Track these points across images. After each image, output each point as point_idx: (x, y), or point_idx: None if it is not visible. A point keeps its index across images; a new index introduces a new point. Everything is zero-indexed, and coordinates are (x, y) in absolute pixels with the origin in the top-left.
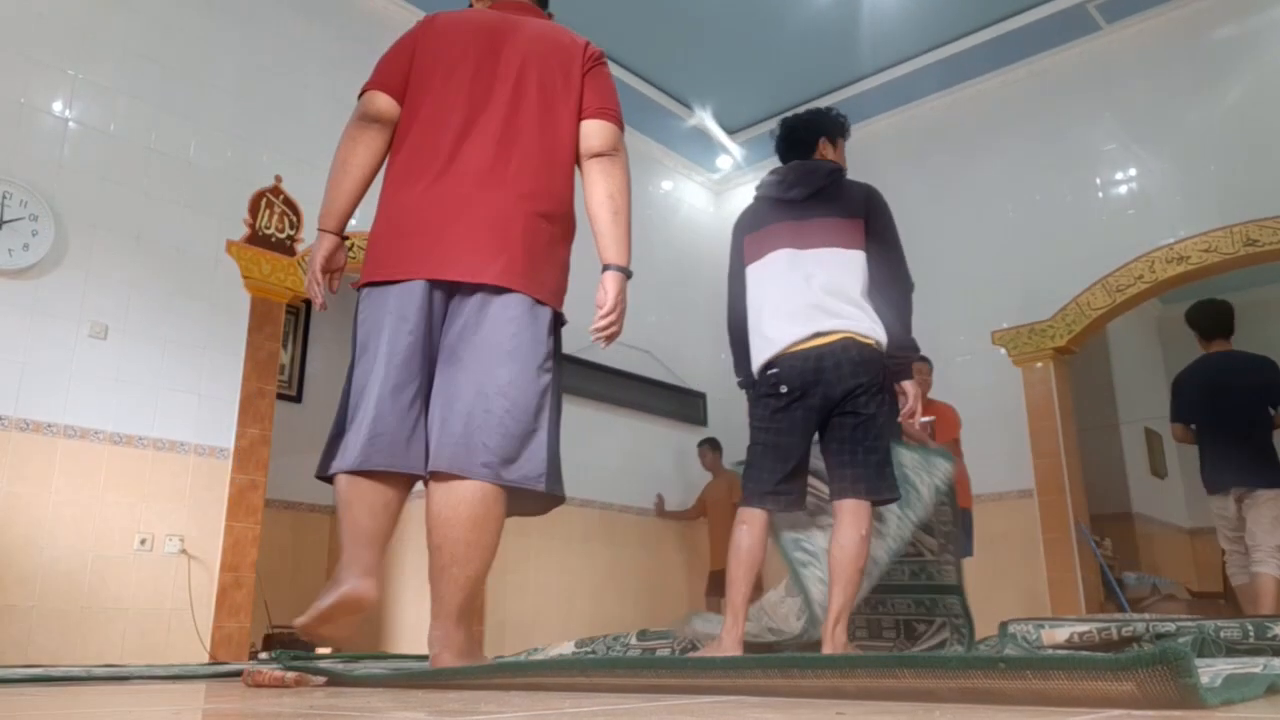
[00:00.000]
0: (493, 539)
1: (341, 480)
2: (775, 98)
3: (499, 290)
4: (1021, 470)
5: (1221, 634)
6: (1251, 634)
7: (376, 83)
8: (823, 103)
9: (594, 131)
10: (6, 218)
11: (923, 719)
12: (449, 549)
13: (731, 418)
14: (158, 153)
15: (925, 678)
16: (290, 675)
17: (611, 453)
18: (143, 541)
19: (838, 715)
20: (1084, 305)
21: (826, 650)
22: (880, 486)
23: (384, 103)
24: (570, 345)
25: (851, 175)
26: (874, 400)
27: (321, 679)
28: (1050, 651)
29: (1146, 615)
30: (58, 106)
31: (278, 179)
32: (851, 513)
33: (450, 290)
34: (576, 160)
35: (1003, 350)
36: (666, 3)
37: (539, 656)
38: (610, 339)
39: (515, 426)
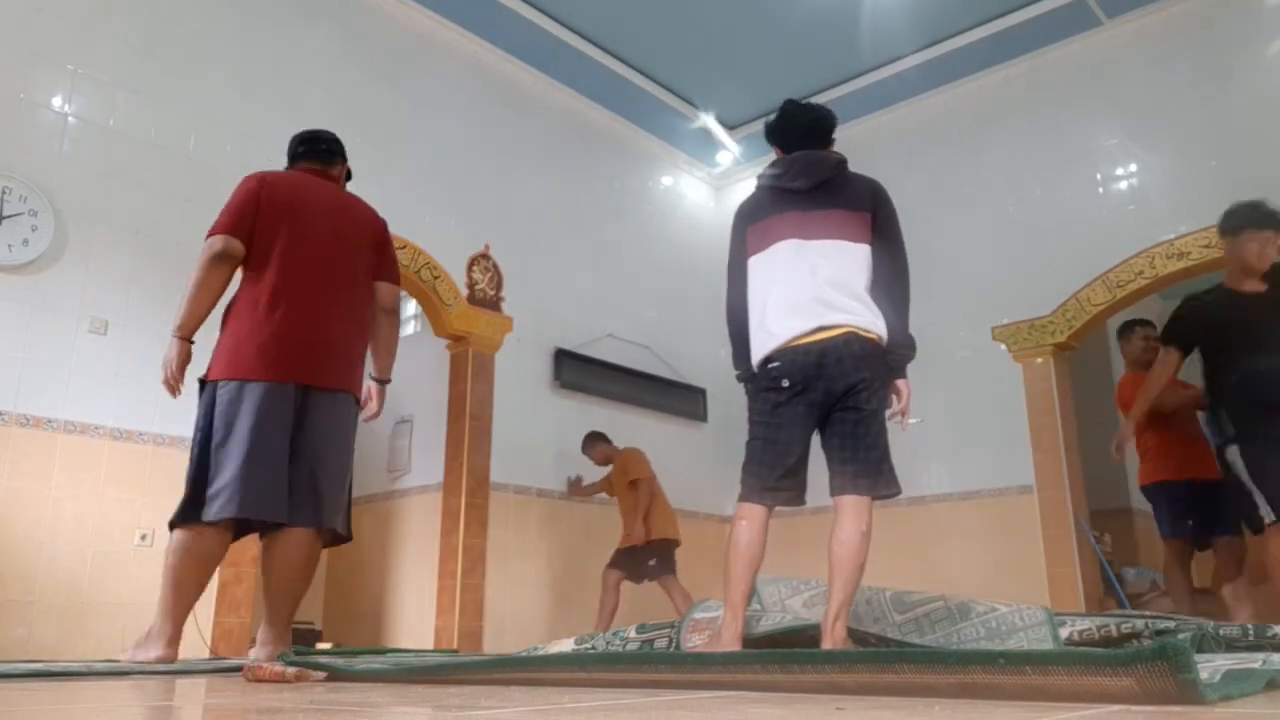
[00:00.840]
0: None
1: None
2: (775, 93)
3: (341, 392)
4: (1021, 466)
5: (1221, 630)
6: (1250, 631)
7: (233, 229)
8: (823, 98)
9: (387, 292)
10: (6, 213)
11: (922, 714)
12: (293, 575)
13: (732, 413)
14: (158, 147)
15: (925, 673)
16: (290, 670)
17: None
18: (143, 537)
19: (837, 710)
20: (1084, 301)
21: (826, 645)
22: (880, 482)
23: (239, 248)
24: (572, 342)
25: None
26: (875, 396)
27: (321, 674)
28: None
29: (1146, 612)
30: (57, 101)
31: None
32: (853, 509)
33: (308, 389)
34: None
35: (1003, 346)
36: None
37: (540, 654)
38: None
39: (344, 490)
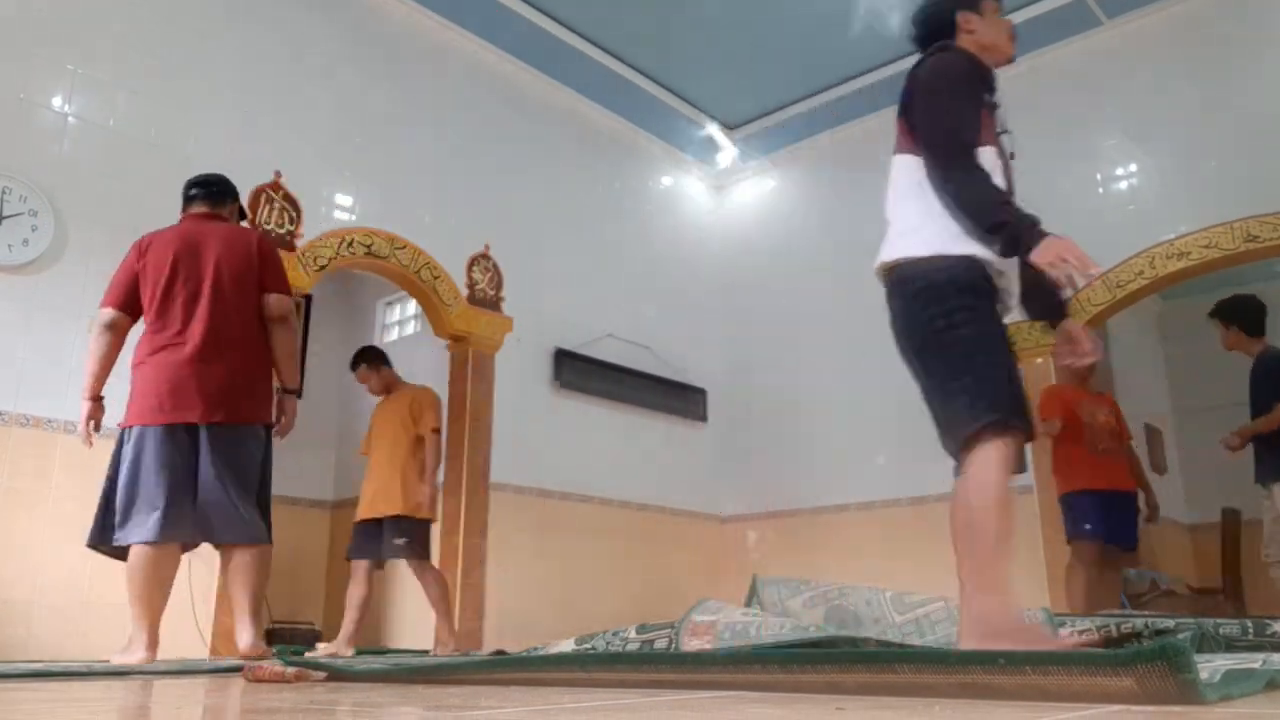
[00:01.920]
0: (267, 571)
1: (146, 550)
2: (775, 93)
3: (229, 425)
4: None
5: (1221, 630)
6: (1251, 630)
7: (114, 303)
8: (823, 98)
9: (273, 303)
10: (6, 213)
11: (922, 714)
12: (245, 584)
13: (732, 414)
14: (157, 147)
15: (925, 673)
16: (291, 670)
17: (611, 448)
18: None
19: (837, 710)
20: (1084, 301)
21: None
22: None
23: (119, 319)
24: (572, 342)
25: (851, 173)
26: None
27: (321, 674)
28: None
29: (1146, 612)
30: (57, 102)
31: (277, 175)
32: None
33: (198, 426)
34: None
35: None
36: None
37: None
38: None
39: (252, 506)
